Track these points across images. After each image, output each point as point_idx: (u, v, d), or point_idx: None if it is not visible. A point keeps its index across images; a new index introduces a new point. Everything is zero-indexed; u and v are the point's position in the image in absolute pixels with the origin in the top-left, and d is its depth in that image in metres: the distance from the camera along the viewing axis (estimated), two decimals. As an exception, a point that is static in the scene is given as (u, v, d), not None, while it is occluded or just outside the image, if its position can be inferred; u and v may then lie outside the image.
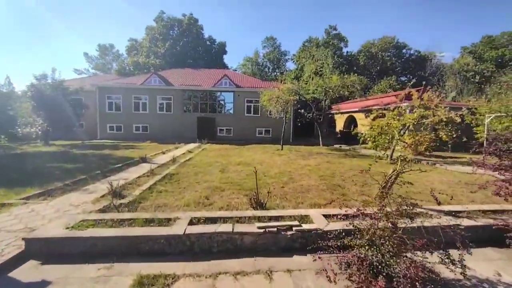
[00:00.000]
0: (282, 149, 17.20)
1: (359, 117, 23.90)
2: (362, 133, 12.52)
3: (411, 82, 12.93)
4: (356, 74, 18.52)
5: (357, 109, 23.96)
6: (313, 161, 12.24)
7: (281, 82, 19.82)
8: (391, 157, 11.76)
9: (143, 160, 10.72)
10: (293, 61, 47.69)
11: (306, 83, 20.00)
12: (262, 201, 4.95)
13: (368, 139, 13.13)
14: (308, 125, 34.77)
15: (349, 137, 24.04)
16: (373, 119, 11.30)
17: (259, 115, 25.42)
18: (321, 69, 20.19)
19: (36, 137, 19.36)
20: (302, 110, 19.16)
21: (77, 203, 5.06)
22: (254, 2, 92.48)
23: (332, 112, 26.82)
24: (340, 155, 15.00)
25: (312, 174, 8.98)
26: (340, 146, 20.55)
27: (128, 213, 4.17)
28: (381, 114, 14.02)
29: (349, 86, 18.18)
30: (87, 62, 55.77)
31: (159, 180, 7.38)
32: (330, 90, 19.01)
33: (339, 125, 28.37)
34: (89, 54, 55.16)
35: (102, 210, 4.65)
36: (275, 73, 51.07)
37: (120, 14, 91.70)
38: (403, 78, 42.48)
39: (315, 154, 14.98)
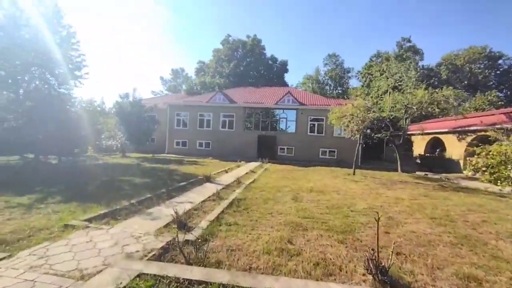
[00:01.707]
0: (354, 174, 14.86)
1: (449, 139, 19.76)
2: (469, 160, 9.61)
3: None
4: (451, 88, 15.24)
5: (445, 130, 19.92)
6: (403, 193, 9.79)
7: (348, 98, 17.77)
8: (526, 196, 8.52)
9: (207, 179, 10.06)
10: (358, 78, 44.52)
11: (381, 100, 17.43)
12: (383, 264, 3.27)
13: (483, 169, 10.09)
14: (376, 147, 31.01)
15: (433, 163, 20.01)
16: (472, 144, 8.50)
17: (323, 134, 23.48)
18: (399, 83, 17.40)
19: (116, 149, 21.38)
20: (369, 130, 16.61)
21: (138, 234, 4.24)
22: (315, 21, 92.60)
23: (408, 133, 23.10)
24: (434, 186, 11.96)
25: (417, 213, 6.77)
26: (426, 174, 16.95)
27: (197, 269, 3.00)
28: (493, 137, 10.78)
29: (441, 102, 14.99)
30: (162, 85, 62.74)
31: (226, 207, 6.32)
32: (414, 107, 16.06)
33: (419, 148, 24.18)
34: (164, 78, 62.16)
35: (165, 250, 3.67)
36: (336, 91, 48.48)
37: (191, 40, 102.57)
38: (500, 94, 35.07)
39: (399, 183, 12.31)
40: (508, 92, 36.89)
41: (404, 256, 4.17)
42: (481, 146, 10.12)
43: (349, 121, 14.62)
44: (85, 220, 4.73)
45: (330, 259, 3.88)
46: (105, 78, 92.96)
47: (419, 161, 21.93)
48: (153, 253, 3.53)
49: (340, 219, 5.94)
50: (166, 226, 4.77)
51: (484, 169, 9.68)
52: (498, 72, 36.67)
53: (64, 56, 15.11)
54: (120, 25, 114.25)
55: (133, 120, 20.22)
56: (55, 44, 14.74)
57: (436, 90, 15.38)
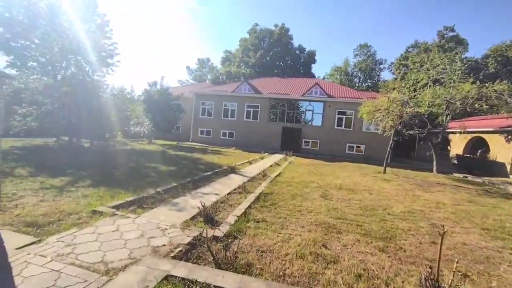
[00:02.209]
0: (384, 172, 13.94)
1: (494, 140, 17.89)
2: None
3: None
4: (505, 82, 13.54)
5: (491, 129, 18.02)
6: (443, 196, 8.91)
7: (378, 91, 16.50)
8: None
9: (232, 170, 9.87)
10: (391, 70, 41.83)
11: (419, 94, 16.02)
12: (442, 285, 2.76)
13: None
14: (406, 144, 29.07)
15: (474, 164, 18.29)
16: None
17: (351, 128, 22.37)
18: (442, 76, 15.83)
19: (143, 135, 22.01)
20: (400, 126, 15.34)
21: (165, 226, 4.07)
22: (346, 9, 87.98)
23: (446, 130, 21.27)
24: (478, 191, 10.82)
25: (465, 222, 6.03)
26: (466, 177, 15.51)
27: (229, 275, 2.69)
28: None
29: (491, 98, 13.41)
30: (188, 74, 63.63)
31: (253, 201, 6.03)
32: (457, 103, 14.56)
33: (457, 147, 22.31)
34: (190, 67, 62.95)
35: (192, 246, 3.45)
36: (366, 83, 46.05)
37: (218, 30, 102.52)
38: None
39: (437, 185, 11.30)
40: None
41: (460, 274, 3.61)
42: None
43: (384, 116, 13.58)
44: (113, 207, 4.66)
45: (373, 270, 3.43)
46: (136, 68, 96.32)
47: (456, 162, 20.19)
48: (179, 248, 3.32)
49: (377, 223, 5.42)
50: (192, 218, 4.58)
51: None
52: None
53: (98, 44, 15.49)
54: (148, 15, 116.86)
55: (160, 108, 20.57)
56: (90, 32, 15.16)
57: (486, 84, 13.75)
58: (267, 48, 43.14)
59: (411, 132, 16.64)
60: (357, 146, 22.52)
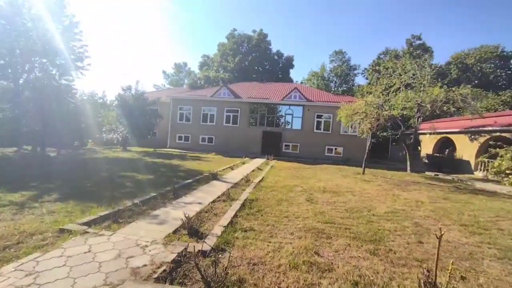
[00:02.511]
0: (364, 173, 14.29)
1: (460, 139, 19.16)
2: (491, 163, 9.21)
3: None
4: (469, 86, 14.60)
5: (457, 130, 19.30)
6: (420, 195, 9.24)
7: (353, 95, 17.11)
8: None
9: (214, 176, 9.52)
10: (364, 76, 43.72)
11: (393, 97, 16.76)
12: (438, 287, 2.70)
13: (507, 172, 9.51)
14: (381, 146, 30.39)
15: (442, 163, 19.42)
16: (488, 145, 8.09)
17: (330, 132, 22.89)
18: (413, 81, 16.75)
19: (117, 142, 20.83)
20: (376, 129, 16.07)
21: (145, 242, 3.69)
22: (322, 17, 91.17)
23: (411, 132, 22.48)
24: (450, 188, 11.40)
25: (444, 219, 6.22)
26: (437, 175, 16.38)
27: None
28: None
29: (457, 101, 14.34)
30: (164, 79, 61.91)
31: (239, 209, 5.77)
32: (427, 105, 15.42)
33: (426, 147, 23.60)
34: (166, 72, 61.29)
35: (177, 264, 3.12)
36: (341, 88, 47.67)
37: (195, 34, 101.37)
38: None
39: (413, 184, 11.77)
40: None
41: (448, 271, 3.62)
42: (505, 148, 9.51)
43: (362, 119, 13.98)
44: (84, 224, 4.18)
45: (368, 276, 3.33)
46: (107, 71, 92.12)
47: (426, 161, 21.36)
48: (163, 268, 2.98)
49: (364, 225, 5.41)
50: (175, 232, 4.22)
51: (508, 172, 9.08)
52: (509, 71, 35.82)
53: (66, 46, 14.46)
54: (123, 18, 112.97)
55: (135, 113, 19.62)
56: (57, 33, 14.10)
57: (452, 88, 14.72)
58: (245, 53, 43.23)
59: (384, 134, 17.38)
60: (335, 149, 23.05)
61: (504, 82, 35.03)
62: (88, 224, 4.24)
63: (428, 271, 2.77)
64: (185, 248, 3.53)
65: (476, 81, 33.78)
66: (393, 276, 3.39)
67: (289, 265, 3.44)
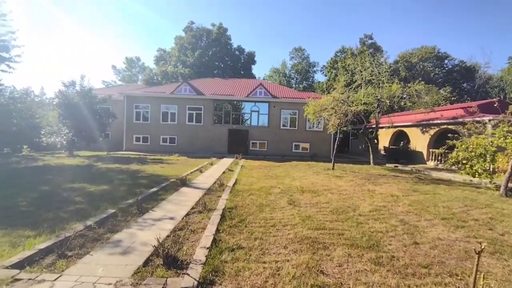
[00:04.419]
0: (333, 169, 14.50)
1: (413, 132, 20.81)
2: (450, 154, 9.85)
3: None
4: (423, 82, 15.75)
5: (410, 123, 20.91)
6: (391, 188, 9.50)
7: (314, 92, 17.39)
8: (506, 187, 8.75)
9: (183, 182, 8.51)
10: (323, 73, 45.43)
11: (355, 93, 17.35)
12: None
13: (464, 162, 10.28)
14: (341, 140, 31.88)
15: (399, 155, 20.92)
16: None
17: (296, 128, 23.04)
18: (372, 77, 17.54)
19: (61, 147, 18.02)
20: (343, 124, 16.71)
21: (106, 285, 2.73)
22: (281, 13, 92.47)
23: (372, 126, 23.93)
24: (413, 179, 12.07)
25: (424, 214, 6.27)
26: (396, 166, 17.50)
27: None
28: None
29: (413, 96, 15.37)
30: (115, 75, 56.65)
31: (219, 222, 5.00)
32: (387, 101, 16.27)
33: (384, 140, 25.26)
34: (116, 67, 56.08)
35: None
36: (302, 84, 48.93)
37: (148, 27, 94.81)
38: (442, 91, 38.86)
39: (380, 177, 12.20)
40: (452, 90, 41.06)
41: (457, 277, 3.42)
42: (461, 140, 10.27)
43: (331, 115, 14.09)
44: (13, 266, 3.02)
45: (385, 296, 2.90)
46: (47, 67, 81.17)
47: (384, 153, 22.85)
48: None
49: (355, 228, 5.10)
50: (147, 263, 3.31)
51: (465, 162, 9.80)
52: (444, 71, 40.42)
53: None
54: (63, 10, 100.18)
55: (82, 113, 17.10)
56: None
57: (408, 84, 15.72)
58: (205, 48, 41.42)
59: (345, 128, 17.99)
60: (303, 145, 23.29)
61: (441, 80, 39.47)
62: (21, 265, 3.09)
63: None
64: (162, 287, 2.69)
65: (420, 79, 37.31)
66: (409, 291, 3.02)
67: (297, 296, 2.84)
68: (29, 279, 2.84)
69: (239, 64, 44.83)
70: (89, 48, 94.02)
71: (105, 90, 27.34)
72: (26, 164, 12.61)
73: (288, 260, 3.66)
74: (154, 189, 7.54)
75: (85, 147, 20.14)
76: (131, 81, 54.55)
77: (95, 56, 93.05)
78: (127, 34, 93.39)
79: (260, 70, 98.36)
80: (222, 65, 42.76)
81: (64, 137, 17.34)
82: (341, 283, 3.13)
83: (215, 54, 41.33)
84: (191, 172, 11.26)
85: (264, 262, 3.58)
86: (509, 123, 9.53)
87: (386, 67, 17.07)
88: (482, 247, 2.24)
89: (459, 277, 3.40)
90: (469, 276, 3.36)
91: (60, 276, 2.93)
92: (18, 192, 6.87)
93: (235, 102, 23.36)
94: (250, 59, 45.68)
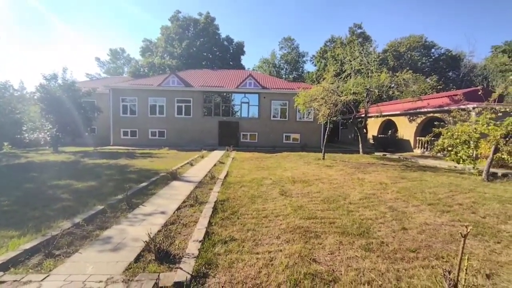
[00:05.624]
0: (324, 159, 14.65)
1: (400, 121, 21.18)
2: (436, 141, 10.10)
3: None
4: (411, 72, 15.94)
5: (397, 112, 21.25)
6: (380, 176, 9.70)
7: (303, 82, 17.39)
8: (488, 172, 9.09)
9: (173, 176, 8.40)
10: (313, 63, 45.30)
11: (344, 82, 17.41)
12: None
13: (449, 148, 10.57)
14: (331, 130, 32.22)
15: (387, 143, 21.33)
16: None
17: (287, 119, 23.03)
18: (361, 67, 17.62)
19: (44, 143, 17.42)
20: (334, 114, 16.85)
21: (97, 284, 2.68)
22: (269, 2, 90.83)
23: (361, 115, 24.24)
24: (401, 166, 12.36)
25: (412, 200, 6.44)
26: (385, 155, 17.86)
27: None
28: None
29: (401, 85, 15.57)
30: (99, 67, 54.72)
31: (211, 215, 4.97)
32: (376, 90, 16.44)
33: (373, 129, 25.65)
34: (100, 59, 54.12)
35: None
36: (292, 75, 48.75)
37: (132, 17, 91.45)
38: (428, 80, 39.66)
39: (369, 166, 12.43)
40: (437, 77, 41.89)
41: (443, 259, 3.55)
42: (446, 127, 10.52)
43: (321, 105, 14.12)
44: (-3, 268, 2.92)
45: (376, 280, 2.98)
46: (26, 61, 77.40)
47: (372, 142, 23.25)
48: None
49: (346, 216, 5.19)
50: (138, 259, 3.26)
51: (450, 148, 10.07)
52: (431, 59, 41.03)
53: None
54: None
55: (65, 107, 16.49)
56: None
57: (396, 73, 15.88)
58: (192, 38, 40.37)
59: (334, 118, 18.15)
60: (293, 136, 23.36)
61: (428, 68, 40.09)
62: (5, 266, 2.98)
63: (449, 272, 2.47)
64: (156, 283, 2.66)
65: (408, 68, 37.82)
66: (398, 275, 3.11)
67: (290, 284, 2.87)
68: (14, 280, 2.74)
69: (228, 55, 44.05)
70: (69, 39, 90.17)
71: (89, 83, 26.40)
72: (7, 162, 12.14)
73: (281, 250, 3.69)
74: (144, 184, 7.42)
75: (70, 142, 19.56)
76: (117, 73, 52.85)
77: (76, 48, 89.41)
78: (110, 25, 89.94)
79: (249, 60, 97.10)
80: (211, 56, 41.93)
81: (48, 133, 16.73)
82: (333, 270, 3.19)
83: (203, 45, 40.40)
84: (182, 166, 11.13)
85: (257, 253, 3.60)
86: (492, 111, 9.84)
87: (375, 57, 17.19)
88: (468, 231, 2.29)
89: (445, 259, 3.52)
90: (453, 258, 3.51)
91: (48, 276, 2.85)
92: (0, 191, 6.61)
93: (224, 94, 23.06)
94: (239, 49, 44.94)
